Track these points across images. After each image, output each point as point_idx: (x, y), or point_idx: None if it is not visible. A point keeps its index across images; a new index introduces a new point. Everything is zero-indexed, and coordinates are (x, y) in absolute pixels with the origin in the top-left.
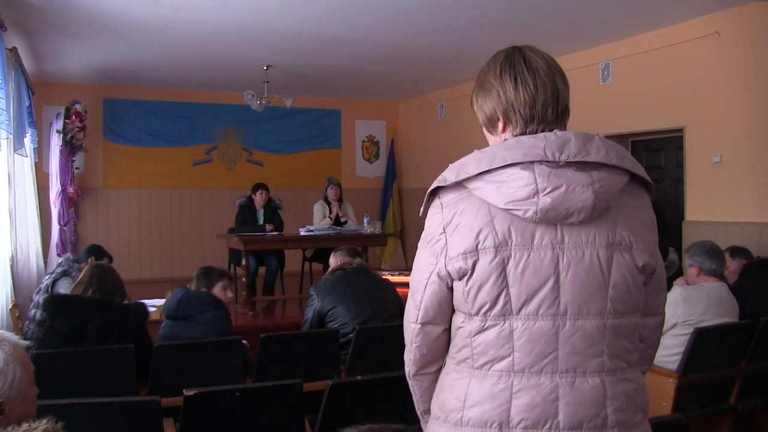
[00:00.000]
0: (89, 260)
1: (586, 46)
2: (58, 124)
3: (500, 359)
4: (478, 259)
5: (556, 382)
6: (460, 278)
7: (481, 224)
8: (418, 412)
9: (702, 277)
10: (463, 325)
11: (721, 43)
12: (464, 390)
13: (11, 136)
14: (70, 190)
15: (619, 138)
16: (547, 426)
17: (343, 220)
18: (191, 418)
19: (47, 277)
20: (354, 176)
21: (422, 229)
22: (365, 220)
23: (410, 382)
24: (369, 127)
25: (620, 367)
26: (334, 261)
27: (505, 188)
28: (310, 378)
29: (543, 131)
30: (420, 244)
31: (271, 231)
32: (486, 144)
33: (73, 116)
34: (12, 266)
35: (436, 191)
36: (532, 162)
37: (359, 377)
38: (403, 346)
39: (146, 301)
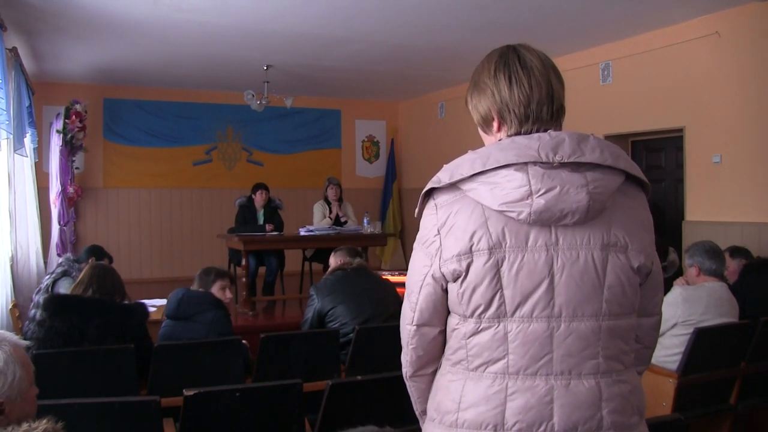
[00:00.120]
0: (89, 261)
1: (586, 46)
2: (58, 124)
3: (495, 361)
4: (472, 261)
5: (551, 384)
6: (455, 280)
7: (475, 226)
8: (417, 413)
9: (702, 277)
10: (458, 326)
11: (721, 43)
12: (459, 392)
13: (11, 136)
14: (70, 190)
15: (619, 138)
16: (542, 428)
17: (343, 220)
18: (191, 418)
19: (47, 277)
20: (354, 176)
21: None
22: (365, 220)
23: (407, 384)
24: (369, 127)
25: (616, 369)
26: (334, 261)
27: (499, 190)
28: (310, 378)
29: (538, 131)
30: (415, 245)
31: (271, 231)
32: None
33: (73, 116)
34: (12, 266)
35: (431, 192)
36: (526, 163)
37: (359, 377)
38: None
39: (146, 301)
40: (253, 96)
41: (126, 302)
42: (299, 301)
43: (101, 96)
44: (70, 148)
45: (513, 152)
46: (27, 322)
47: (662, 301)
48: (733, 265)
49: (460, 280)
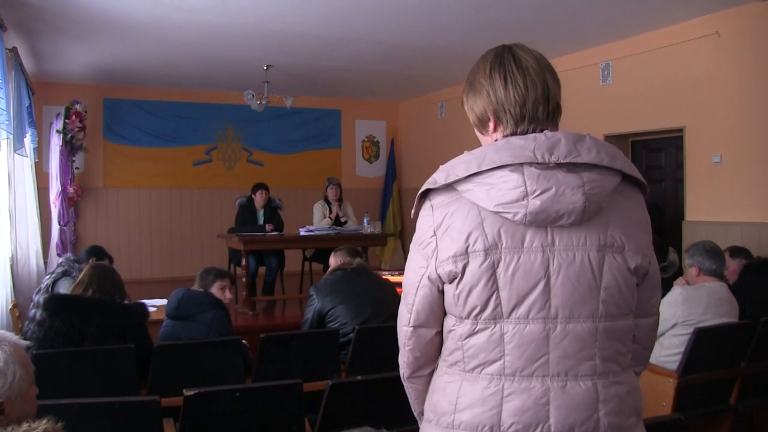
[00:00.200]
0: (90, 261)
1: (586, 46)
2: (58, 124)
3: (491, 362)
4: (468, 263)
5: (547, 385)
6: (451, 281)
7: (471, 227)
8: (415, 414)
9: (702, 277)
10: (454, 328)
11: (721, 43)
12: (456, 393)
13: (11, 136)
14: (70, 190)
15: (619, 138)
16: (538, 430)
17: (343, 220)
18: (191, 418)
19: (47, 277)
20: (354, 176)
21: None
22: (365, 220)
23: (405, 385)
24: (369, 127)
25: (613, 370)
26: (334, 261)
27: (495, 191)
28: (310, 378)
29: (534, 130)
30: (411, 246)
31: (271, 231)
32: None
33: (73, 116)
34: (12, 266)
35: (427, 193)
36: (521, 164)
37: (359, 377)
38: None
39: (146, 301)
40: (253, 96)
41: (126, 302)
42: (299, 301)
43: (101, 96)
44: (70, 148)
45: (508, 153)
46: (27, 322)
47: (660, 301)
48: (733, 265)
49: (456, 281)
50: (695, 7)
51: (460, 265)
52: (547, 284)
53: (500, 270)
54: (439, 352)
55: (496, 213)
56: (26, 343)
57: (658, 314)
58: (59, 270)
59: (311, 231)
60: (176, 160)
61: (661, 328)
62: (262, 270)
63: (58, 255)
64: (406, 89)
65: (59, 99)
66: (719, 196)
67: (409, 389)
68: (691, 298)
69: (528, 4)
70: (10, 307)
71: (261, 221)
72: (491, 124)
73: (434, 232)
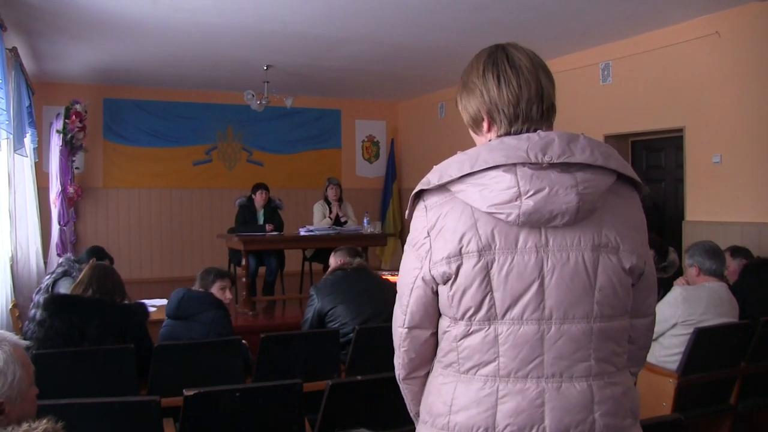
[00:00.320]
0: (90, 261)
1: (586, 46)
2: (58, 124)
3: (485, 364)
4: (461, 264)
5: (542, 387)
6: (445, 282)
7: (465, 228)
8: (411, 415)
9: (702, 277)
10: (449, 329)
11: (721, 43)
12: (451, 394)
13: (11, 136)
14: (70, 190)
15: (619, 138)
16: (533, 431)
17: (343, 220)
18: (191, 418)
19: (48, 277)
20: (354, 176)
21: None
22: (365, 220)
23: (401, 386)
24: (369, 127)
25: (608, 371)
26: (334, 261)
27: (488, 191)
28: (310, 378)
29: (528, 130)
30: (406, 247)
31: (271, 231)
32: None
33: (73, 116)
34: (12, 266)
35: (421, 194)
36: (514, 164)
37: (359, 377)
38: None
39: (146, 301)
40: (253, 96)
41: (126, 302)
42: (299, 301)
43: (101, 96)
44: (70, 148)
45: (501, 153)
46: (27, 322)
47: (656, 301)
48: (733, 265)
49: (450, 282)
50: (695, 7)
51: (453, 267)
52: (541, 285)
53: (494, 271)
54: (434, 354)
55: (490, 214)
56: (26, 343)
57: (654, 314)
58: (59, 270)
59: (311, 231)
60: (176, 160)
61: (661, 328)
62: (262, 270)
63: (58, 255)
64: (406, 89)
65: (59, 99)
66: (719, 196)
67: (405, 391)
68: (691, 298)
69: (528, 4)
70: (10, 307)
71: (261, 221)
72: (485, 124)
73: (428, 233)
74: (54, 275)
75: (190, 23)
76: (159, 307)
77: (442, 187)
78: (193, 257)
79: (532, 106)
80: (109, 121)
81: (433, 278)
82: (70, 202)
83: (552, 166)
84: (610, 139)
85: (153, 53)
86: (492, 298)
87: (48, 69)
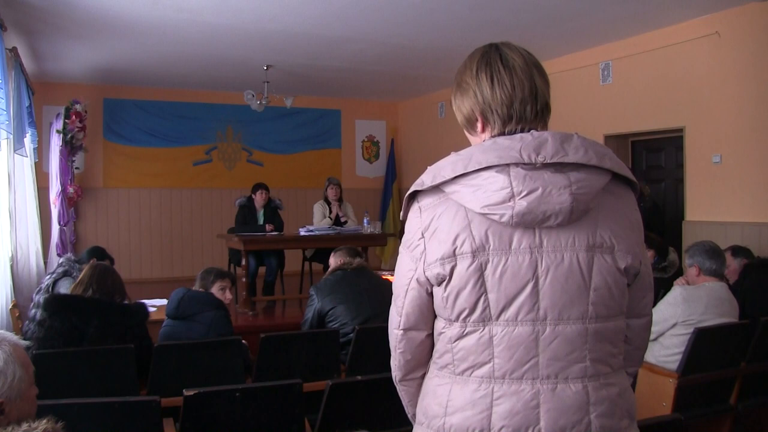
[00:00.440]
0: (91, 261)
1: (586, 46)
2: (58, 124)
3: (480, 365)
4: (455, 265)
5: (537, 388)
6: (439, 284)
7: (458, 229)
8: (409, 416)
9: (702, 277)
10: (444, 330)
11: (721, 43)
12: (446, 396)
13: (11, 136)
14: (70, 190)
15: (619, 138)
16: None
17: (343, 220)
18: (191, 418)
19: (48, 277)
20: (354, 176)
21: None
22: (365, 220)
23: (398, 388)
24: (369, 127)
25: (603, 372)
26: (334, 261)
27: (481, 192)
28: (310, 378)
29: (522, 130)
30: (401, 248)
31: (271, 231)
32: None
33: (73, 116)
34: (12, 266)
35: (415, 195)
36: (507, 164)
37: (359, 377)
38: None
39: (146, 301)
40: (253, 96)
41: (126, 302)
42: (299, 301)
43: (101, 96)
44: (70, 148)
45: (494, 154)
46: (27, 322)
47: (652, 301)
48: (734, 264)
49: (444, 283)
50: (695, 7)
51: (447, 268)
52: (536, 286)
53: (488, 272)
54: (431, 355)
55: (483, 214)
56: (26, 343)
57: (650, 314)
58: (60, 270)
59: (311, 231)
60: (176, 160)
61: (661, 328)
62: (262, 270)
63: (58, 255)
64: (406, 89)
65: (59, 99)
66: (719, 196)
67: (402, 392)
68: (691, 297)
69: (528, 4)
70: (10, 307)
71: (261, 221)
72: (479, 125)
73: (422, 234)
74: (54, 275)
75: (190, 23)
76: (159, 307)
77: (436, 188)
78: (193, 257)
79: (526, 107)
80: (109, 121)
81: (428, 280)
82: (70, 202)
83: (545, 166)
84: (610, 139)
85: (153, 53)
86: (486, 299)
87: (48, 69)
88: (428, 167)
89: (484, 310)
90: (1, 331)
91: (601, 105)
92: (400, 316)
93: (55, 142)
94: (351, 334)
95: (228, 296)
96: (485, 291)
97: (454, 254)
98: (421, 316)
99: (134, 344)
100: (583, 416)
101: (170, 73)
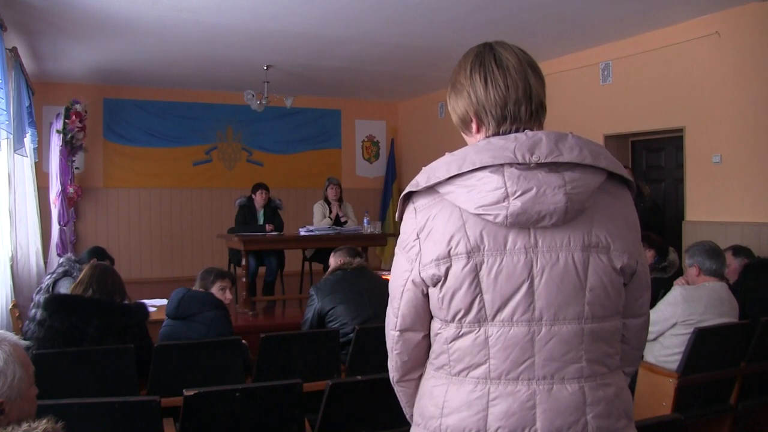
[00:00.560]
0: (91, 261)
1: (586, 46)
2: (58, 124)
3: (476, 366)
4: (450, 266)
5: (533, 389)
6: (435, 285)
7: (453, 230)
8: (407, 417)
9: (702, 277)
10: (440, 331)
11: (721, 43)
12: (442, 397)
13: (11, 136)
14: (70, 190)
15: (619, 138)
16: None
17: (343, 220)
18: (191, 418)
19: (48, 276)
20: (354, 176)
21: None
22: (365, 220)
23: (395, 389)
24: (369, 127)
25: (600, 372)
26: (334, 261)
27: (476, 193)
28: (310, 378)
29: (517, 130)
30: (396, 249)
31: (271, 231)
32: None
33: (73, 116)
34: (12, 266)
35: (410, 195)
36: (501, 165)
37: (359, 377)
38: None
39: (146, 301)
40: (253, 96)
41: (126, 302)
42: (299, 301)
43: (101, 96)
44: (70, 148)
45: (488, 154)
46: (27, 322)
47: (649, 301)
48: (735, 264)
49: (439, 284)
50: (695, 7)
51: (443, 269)
52: (531, 286)
53: (483, 273)
54: (428, 356)
55: (478, 215)
56: (26, 343)
57: (647, 314)
58: (60, 270)
59: (311, 231)
60: (176, 160)
61: (661, 328)
62: (262, 270)
63: (58, 255)
64: (406, 89)
65: (59, 99)
66: (719, 196)
67: (400, 393)
68: (691, 297)
69: (528, 4)
70: (10, 307)
71: (261, 221)
72: (474, 126)
73: (417, 235)
74: (54, 275)
75: (190, 23)
76: (159, 307)
77: (431, 189)
78: (193, 257)
79: (521, 107)
80: (109, 121)
81: (423, 280)
82: (70, 202)
83: (540, 166)
84: (610, 139)
85: (153, 53)
86: (482, 299)
87: (48, 69)
88: (423, 168)
89: (479, 310)
90: (1, 331)
91: (601, 105)
92: (397, 318)
93: (55, 142)
94: (351, 334)
95: (228, 296)
96: (480, 292)
97: (449, 255)
98: (417, 317)
99: (134, 344)
100: (579, 417)
101: (170, 73)
